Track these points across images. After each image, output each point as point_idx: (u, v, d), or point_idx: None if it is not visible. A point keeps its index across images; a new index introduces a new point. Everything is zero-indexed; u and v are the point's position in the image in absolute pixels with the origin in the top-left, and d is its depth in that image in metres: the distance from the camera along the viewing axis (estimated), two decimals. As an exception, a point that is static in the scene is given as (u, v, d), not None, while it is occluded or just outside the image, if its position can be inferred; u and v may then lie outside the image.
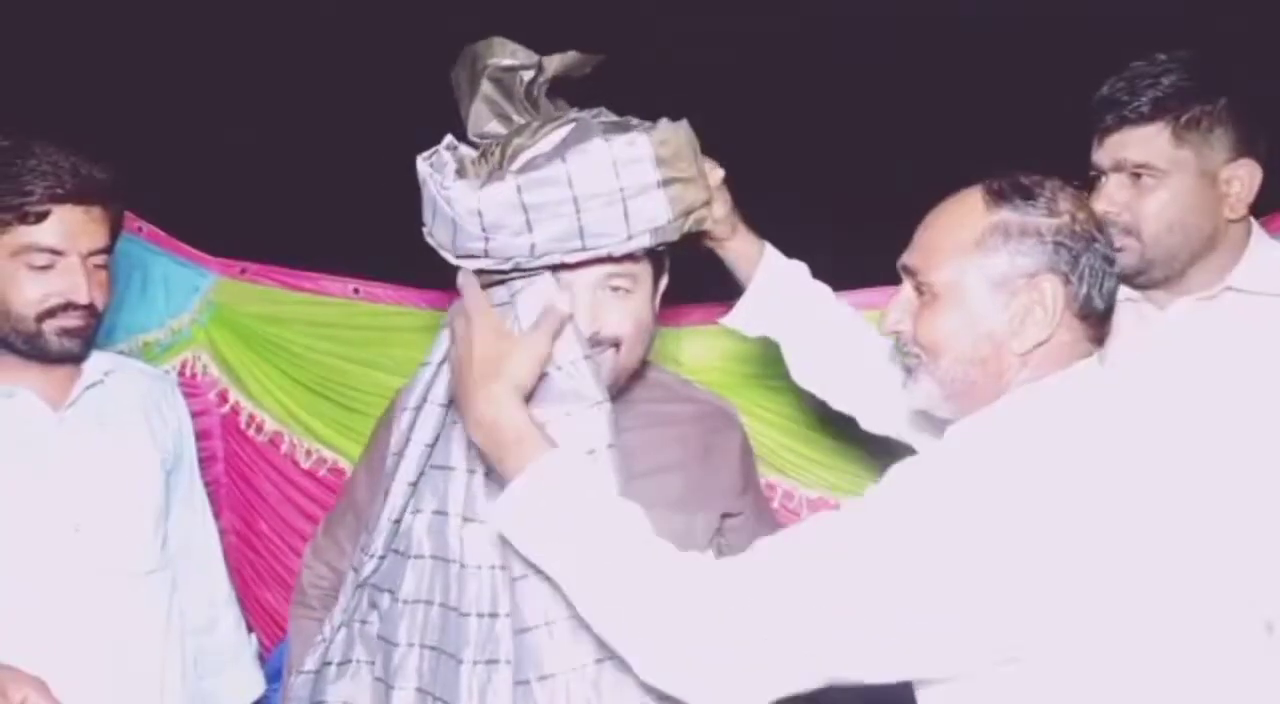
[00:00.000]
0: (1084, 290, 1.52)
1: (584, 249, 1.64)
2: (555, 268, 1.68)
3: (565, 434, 1.63)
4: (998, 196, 1.55)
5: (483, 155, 1.71)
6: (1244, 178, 1.88)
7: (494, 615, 1.66)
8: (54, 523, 1.95)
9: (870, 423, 2.05)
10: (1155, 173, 1.89)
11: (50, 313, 1.92)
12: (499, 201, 1.60)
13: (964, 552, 1.34)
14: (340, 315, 2.61)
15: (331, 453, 2.67)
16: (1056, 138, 2.03)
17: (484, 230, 1.61)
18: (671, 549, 1.49)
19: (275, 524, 2.68)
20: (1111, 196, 1.92)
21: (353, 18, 3.46)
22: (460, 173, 1.68)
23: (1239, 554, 1.45)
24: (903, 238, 1.65)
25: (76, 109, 2.73)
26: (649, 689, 1.52)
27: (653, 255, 1.77)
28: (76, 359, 2.01)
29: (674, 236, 1.69)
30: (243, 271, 2.71)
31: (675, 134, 1.68)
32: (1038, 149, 1.91)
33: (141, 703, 2.02)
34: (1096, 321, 1.55)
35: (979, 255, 1.53)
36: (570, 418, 1.67)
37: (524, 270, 1.66)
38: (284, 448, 2.68)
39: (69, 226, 1.91)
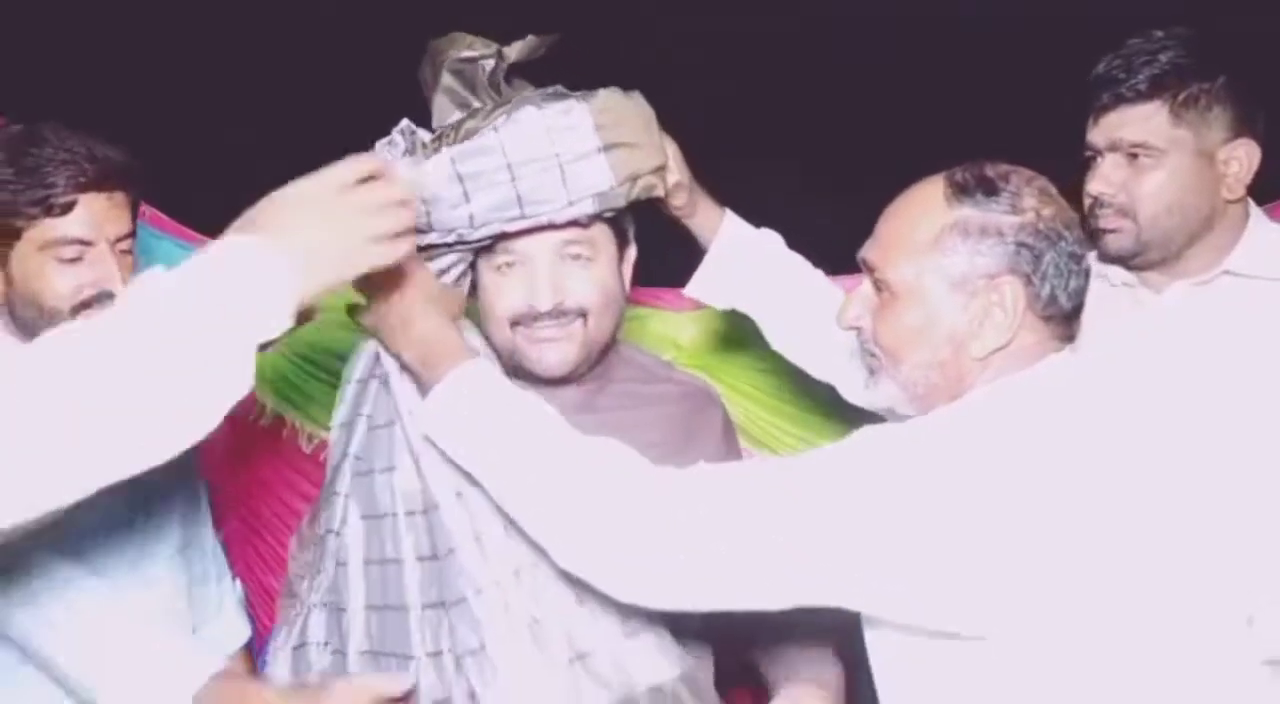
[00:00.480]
0: (1047, 291, 1.46)
1: (523, 217, 1.65)
2: (501, 238, 1.70)
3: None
4: (960, 190, 1.49)
5: (438, 138, 1.70)
6: (1242, 158, 1.89)
7: (434, 557, 1.69)
8: (113, 509, 1.95)
9: (850, 393, 2.04)
10: (1152, 152, 1.89)
11: (85, 305, 1.87)
12: (436, 175, 1.63)
13: (911, 509, 1.33)
14: (337, 297, 2.59)
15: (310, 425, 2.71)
16: (1056, 137, 2.06)
17: (424, 204, 1.62)
18: (592, 442, 1.55)
19: (278, 508, 2.70)
20: (1107, 177, 1.92)
21: (353, 14, 3.49)
22: (409, 152, 1.69)
23: (1222, 544, 1.43)
24: None
25: (77, 98, 2.77)
26: (583, 587, 1.57)
27: (614, 225, 1.78)
28: None
29: (620, 203, 1.69)
30: None
31: (619, 102, 1.70)
32: (1037, 147, 1.94)
33: None
34: (1062, 321, 1.50)
35: (937, 255, 1.48)
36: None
37: (468, 242, 1.69)
38: (285, 432, 2.72)
39: (95, 215, 1.86)
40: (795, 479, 1.42)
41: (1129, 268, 1.98)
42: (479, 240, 1.70)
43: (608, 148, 1.66)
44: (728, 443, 1.98)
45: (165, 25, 3.34)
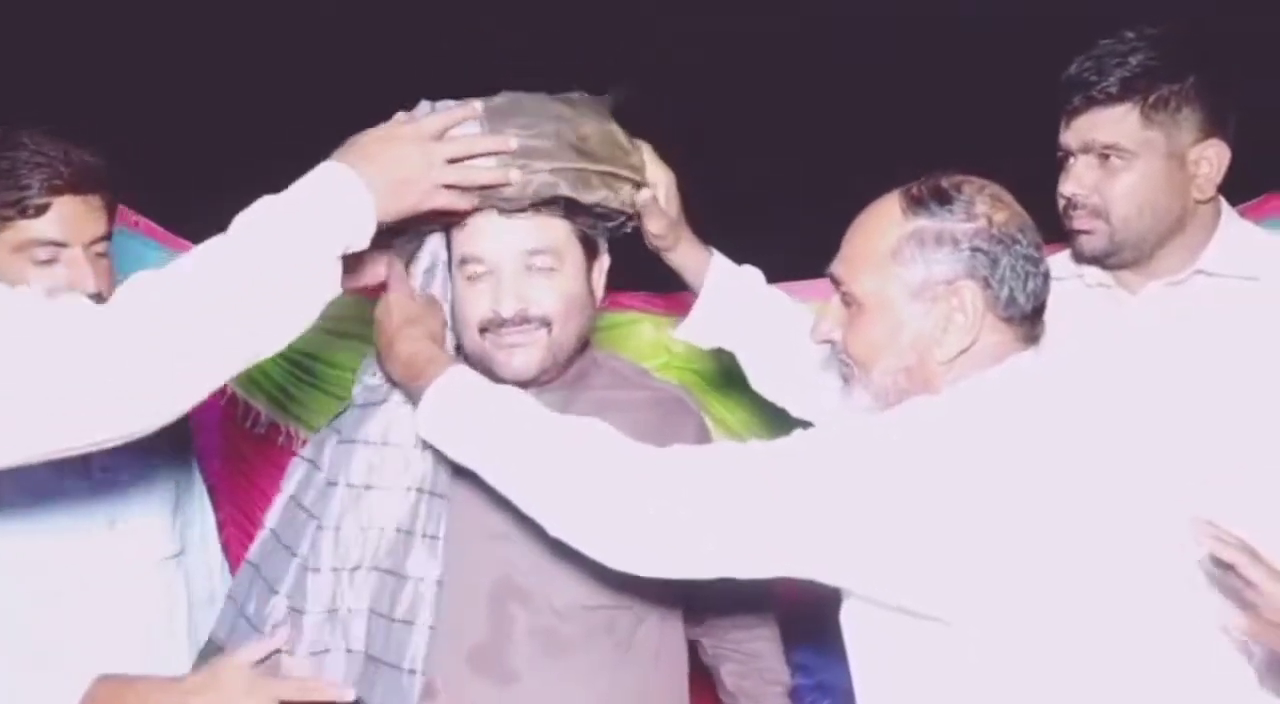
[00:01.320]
0: (1005, 293, 1.53)
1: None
2: (469, 247, 1.84)
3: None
4: (915, 203, 1.57)
5: None
6: (1212, 158, 1.92)
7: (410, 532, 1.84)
8: (93, 520, 2.02)
9: None
10: (1123, 154, 1.92)
11: None
12: None
13: (883, 491, 1.40)
14: (337, 308, 2.60)
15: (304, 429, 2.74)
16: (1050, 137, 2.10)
17: None
18: (576, 422, 1.65)
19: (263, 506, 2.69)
20: (1080, 178, 1.96)
21: (353, 16, 3.54)
22: None
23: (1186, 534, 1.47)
24: None
25: (67, 104, 2.81)
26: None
27: (582, 235, 1.88)
28: None
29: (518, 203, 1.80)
30: None
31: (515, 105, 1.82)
32: (1036, 148, 1.98)
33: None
34: (1023, 322, 1.56)
35: (896, 266, 1.55)
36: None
37: (423, 232, 1.87)
38: (280, 440, 2.74)
39: (69, 218, 1.90)
40: (778, 458, 1.49)
41: (1104, 268, 2.01)
42: (428, 228, 1.86)
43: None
44: None
45: (162, 33, 3.38)
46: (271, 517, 1.96)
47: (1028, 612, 1.38)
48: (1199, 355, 1.92)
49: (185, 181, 2.71)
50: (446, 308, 1.89)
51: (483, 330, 1.84)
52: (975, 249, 1.53)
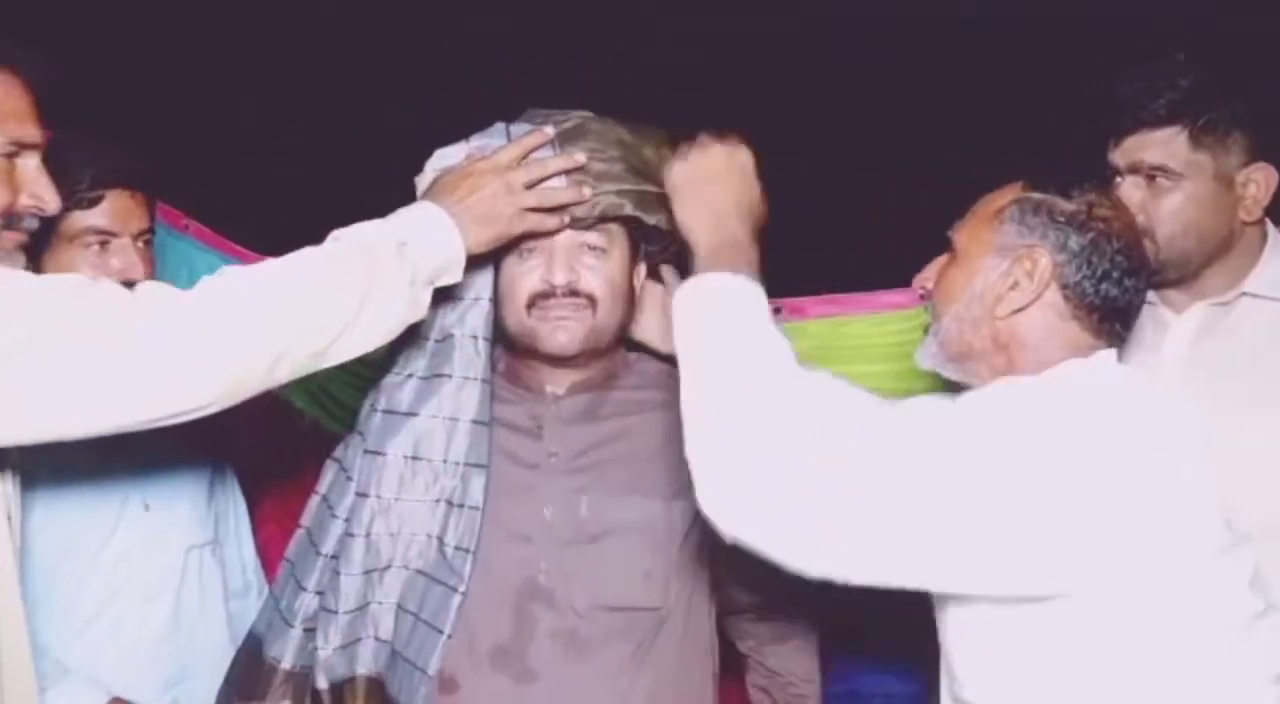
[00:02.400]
0: (1077, 277, 1.63)
1: None
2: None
3: (443, 398, 1.93)
4: (1038, 180, 1.70)
5: None
6: (1260, 181, 1.97)
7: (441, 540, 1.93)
8: (129, 503, 2.14)
9: None
10: (1171, 175, 1.97)
11: None
12: None
13: (1019, 480, 1.46)
14: None
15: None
16: (1054, 135, 2.16)
17: None
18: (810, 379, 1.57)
19: (296, 512, 2.71)
20: (1128, 197, 1.97)
21: (355, 17, 3.56)
22: None
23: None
24: (906, 239, 1.86)
25: (122, 112, 2.84)
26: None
27: (630, 234, 1.98)
28: None
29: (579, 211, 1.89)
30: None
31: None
32: (1035, 148, 2.04)
33: (210, 665, 2.18)
34: (1089, 313, 1.64)
35: (996, 223, 1.68)
36: (452, 382, 1.94)
37: None
38: (322, 437, 2.67)
39: (119, 209, 2.04)
40: (908, 459, 1.49)
41: (1150, 287, 2.07)
42: None
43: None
44: None
45: (210, 26, 3.40)
46: (306, 515, 2.05)
47: (1139, 587, 1.48)
48: (1241, 377, 1.98)
49: (234, 187, 2.74)
50: (488, 291, 1.96)
51: (530, 305, 1.93)
52: (1062, 224, 1.64)
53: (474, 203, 1.81)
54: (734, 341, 1.57)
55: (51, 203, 1.68)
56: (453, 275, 1.80)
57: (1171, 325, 2.06)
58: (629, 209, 1.91)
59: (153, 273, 2.12)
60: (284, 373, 1.64)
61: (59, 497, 2.07)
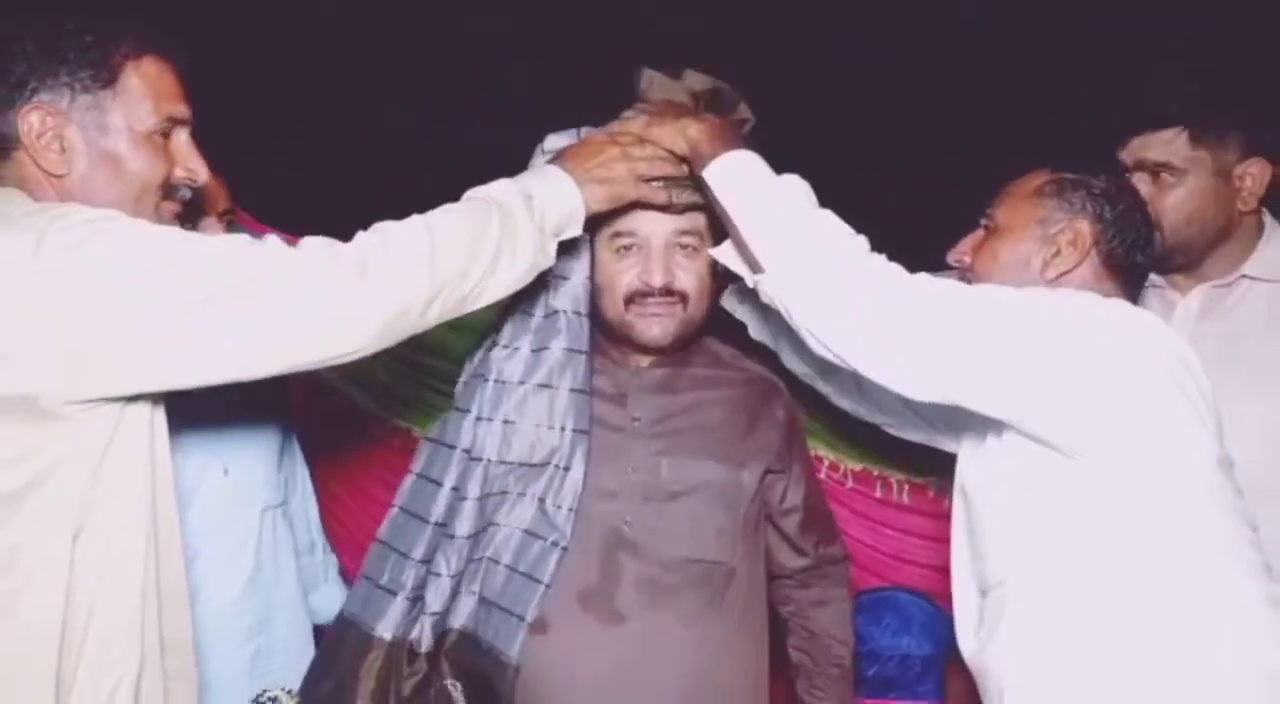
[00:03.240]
0: (1114, 243, 1.95)
1: None
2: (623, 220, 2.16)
3: (551, 369, 2.16)
4: (1063, 164, 2.00)
5: None
6: (1255, 174, 2.22)
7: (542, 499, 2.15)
8: (210, 468, 2.33)
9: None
10: (1174, 171, 2.22)
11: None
12: None
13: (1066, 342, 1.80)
14: None
15: (405, 423, 2.87)
16: (1055, 135, 2.36)
17: None
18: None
19: (350, 490, 2.87)
20: None
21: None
22: None
23: None
24: (910, 236, 2.05)
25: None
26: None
27: (714, 223, 2.15)
28: None
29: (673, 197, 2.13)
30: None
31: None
32: (1035, 148, 2.23)
33: (285, 616, 2.42)
34: (1122, 273, 1.97)
35: (1035, 199, 1.98)
36: (558, 355, 2.16)
37: None
38: (359, 417, 2.87)
39: (207, 192, 2.20)
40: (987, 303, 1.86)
41: (1157, 272, 2.30)
42: None
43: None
44: (788, 428, 2.33)
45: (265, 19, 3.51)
46: (400, 496, 2.23)
47: (1147, 462, 1.78)
48: (1240, 350, 2.22)
49: (273, 174, 2.88)
50: (585, 279, 2.18)
51: (629, 301, 2.15)
52: (1098, 197, 1.95)
53: (594, 166, 2.02)
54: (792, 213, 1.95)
55: (202, 174, 1.81)
56: (574, 229, 2.00)
57: (1177, 305, 2.31)
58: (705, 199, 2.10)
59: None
60: (434, 316, 1.80)
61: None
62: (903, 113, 4.02)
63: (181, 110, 1.79)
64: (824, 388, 2.38)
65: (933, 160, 3.58)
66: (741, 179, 1.99)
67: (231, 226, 2.31)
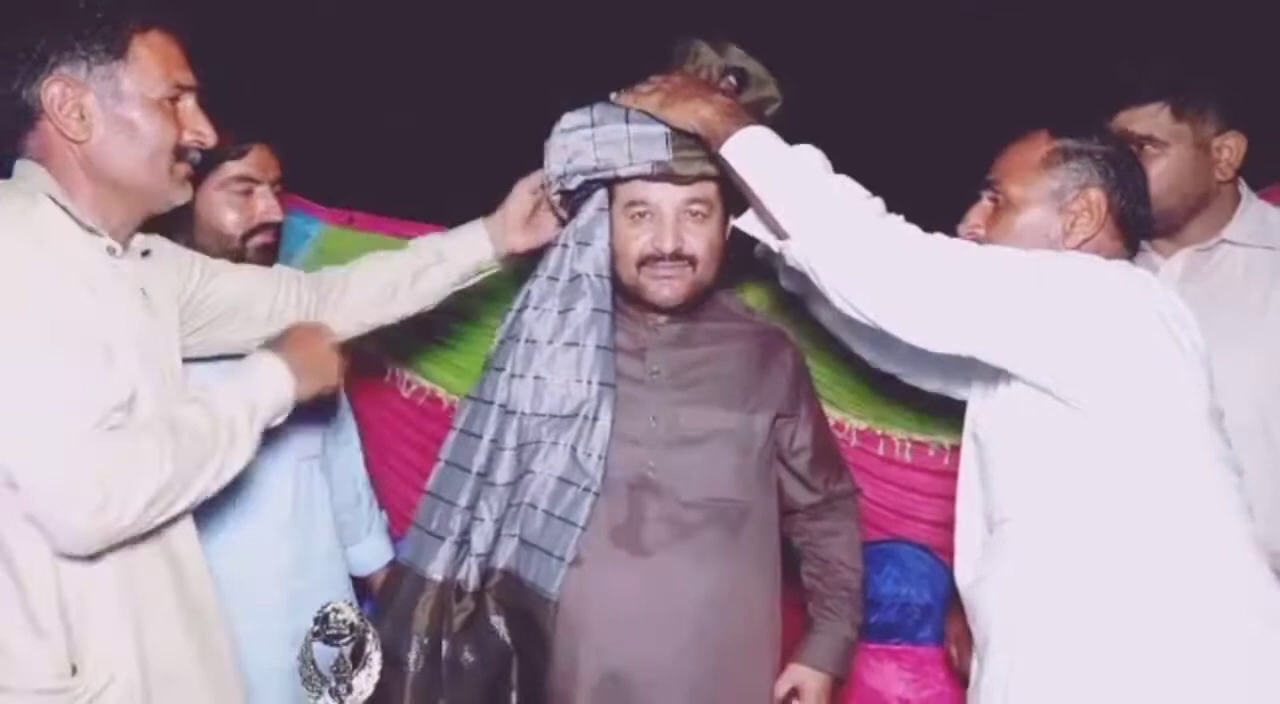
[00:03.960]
0: (1123, 203, 2.09)
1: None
2: (638, 189, 2.33)
3: (577, 328, 2.35)
4: (1061, 128, 2.12)
5: None
6: (1232, 146, 2.40)
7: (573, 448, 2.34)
8: None
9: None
10: (1157, 144, 2.39)
11: (253, 233, 2.44)
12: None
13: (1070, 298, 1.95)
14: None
15: (430, 384, 3.08)
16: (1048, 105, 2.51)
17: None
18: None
19: (379, 450, 3.05)
20: None
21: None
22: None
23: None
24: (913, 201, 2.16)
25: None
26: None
27: (723, 192, 2.34)
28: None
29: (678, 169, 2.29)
30: (350, 220, 3.09)
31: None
32: (1029, 117, 2.37)
33: (314, 567, 2.56)
34: (1131, 233, 2.12)
35: (1043, 170, 2.10)
36: (583, 315, 2.35)
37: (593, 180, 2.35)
38: (385, 378, 3.09)
39: (261, 160, 2.43)
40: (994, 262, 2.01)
41: (1143, 237, 2.48)
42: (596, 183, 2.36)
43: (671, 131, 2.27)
44: (797, 376, 2.53)
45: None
46: (445, 449, 2.44)
47: (1149, 404, 1.94)
48: (1219, 311, 2.36)
49: (303, 144, 2.97)
50: (605, 245, 2.37)
51: (641, 264, 2.34)
52: (1101, 160, 2.09)
53: (309, 362, 2.17)
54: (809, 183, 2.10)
55: (210, 136, 1.96)
56: (281, 418, 2.14)
57: (1160, 268, 2.48)
58: (714, 170, 2.29)
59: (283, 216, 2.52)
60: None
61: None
62: (906, 88, 3.97)
63: (187, 77, 1.94)
64: (846, 337, 2.53)
65: (933, 129, 3.63)
66: (757, 154, 2.14)
67: (282, 197, 2.48)
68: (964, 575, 2.20)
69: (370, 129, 3.50)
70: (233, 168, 2.40)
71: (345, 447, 2.81)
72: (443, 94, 3.28)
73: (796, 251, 2.11)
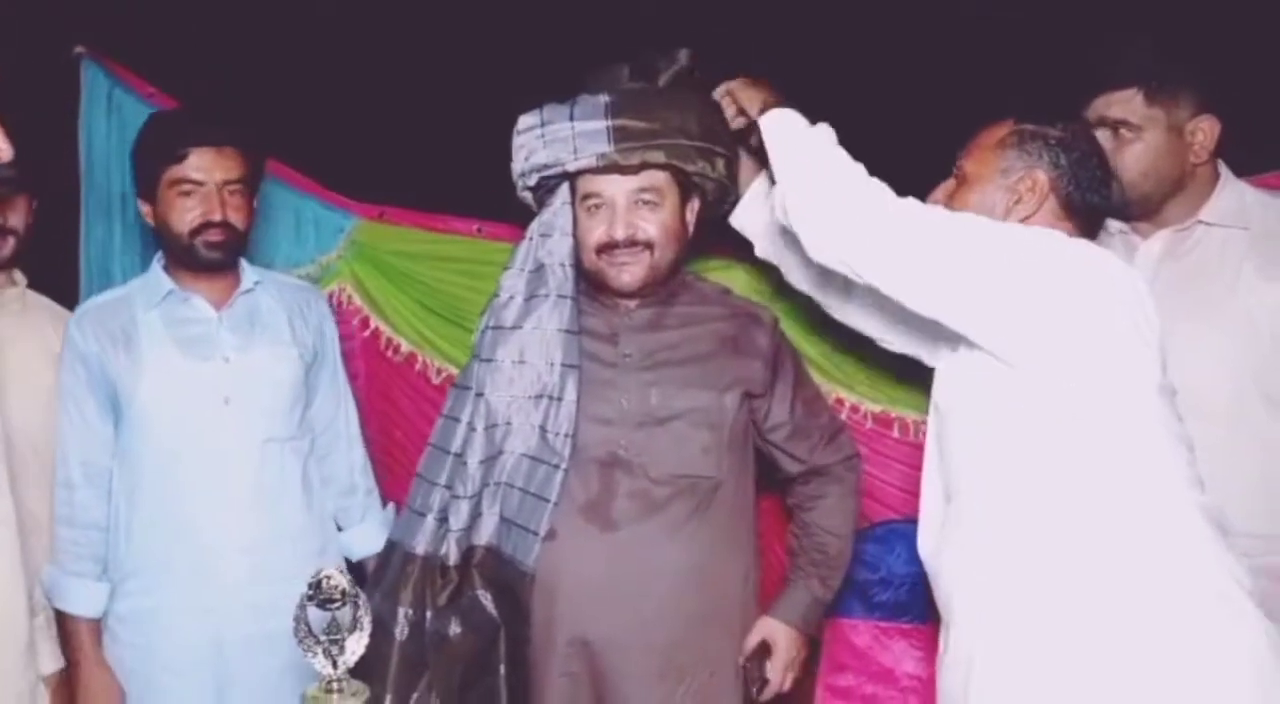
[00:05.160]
0: (1070, 188, 2.19)
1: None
2: (588, 183, 2.50)
3: (542, 313, 2.50)
4: (1027, 115, 2.24)
5: None
6: (1206, 130, 2.46)
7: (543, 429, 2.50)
8: (209, 397, 2.65)
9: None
10: (1131, 128, 2.46)
11: (197, 231, 2.63)
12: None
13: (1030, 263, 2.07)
14: (467, 251, 3.16)
15: (459, 371, 3.05)
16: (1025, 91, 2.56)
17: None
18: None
19: (410, 434, 3.17)
20: None
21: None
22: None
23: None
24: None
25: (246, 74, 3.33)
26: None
27: (679, 180, 2.51)
28: (221, 266, 2.70)
29: (621, 161, 2.44)
30: (382, 214, 3.23)
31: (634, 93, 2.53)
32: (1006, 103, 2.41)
33: (286, 545, 2.69)
34: (1081, 219, 2.21)
35: (998, 150, 2.23)
36: (548, 301, 2.50)
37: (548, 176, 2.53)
38: (418, 366, 3.22)
39: (202, 163, 2.60)
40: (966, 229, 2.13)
41: (1119, 219, 2.56)
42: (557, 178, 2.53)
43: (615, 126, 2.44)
44: (774, 356, 2.64)
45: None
46: (434, 434, 2.62)
47: (1101, 374, 2.03)
48: (1196, 289, 2.47)
49: (337, 140, 3.13)
50: (568, 235, 2.54)
51: (599, 252, 2.50)
52: (1054, 145, 2.20)
53: None
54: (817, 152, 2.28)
55: (6, 151, 1.91)
56: None
57: (1139, 249, 2.56)
58: (663, 158, 2.46)
59: (244, 216, 2.71)
60: None
61: (159, 395, 2.63)
62: (888, 77, 3.88)
63: None
64: (822, 299, 2.66)
65: (916, 118, 3.62)
66: (781, 121, 2.37)
67: (237, 196, 2.67)
68: (925, 544, 2.31)
69: (402, 126, 3.64)
70: (174, 170, 2.60)
71: (341, 436, 2.93)
72: (468, 89, 3.41)
73: (780, 199, 2.28)
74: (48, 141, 3.22)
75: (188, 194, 2.61)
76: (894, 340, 2.56)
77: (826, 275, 2.53)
